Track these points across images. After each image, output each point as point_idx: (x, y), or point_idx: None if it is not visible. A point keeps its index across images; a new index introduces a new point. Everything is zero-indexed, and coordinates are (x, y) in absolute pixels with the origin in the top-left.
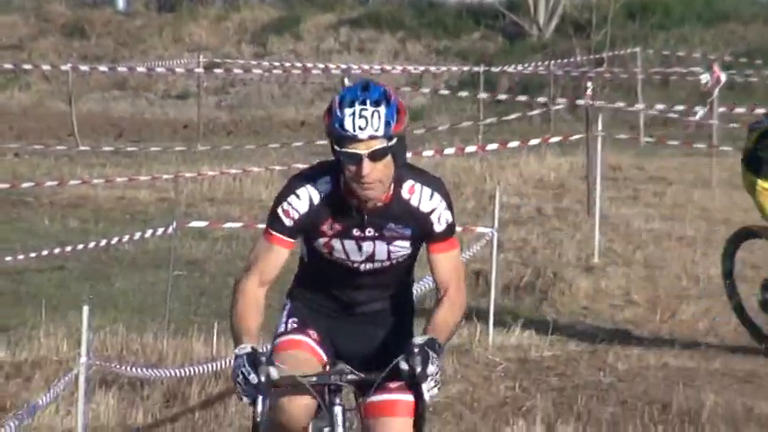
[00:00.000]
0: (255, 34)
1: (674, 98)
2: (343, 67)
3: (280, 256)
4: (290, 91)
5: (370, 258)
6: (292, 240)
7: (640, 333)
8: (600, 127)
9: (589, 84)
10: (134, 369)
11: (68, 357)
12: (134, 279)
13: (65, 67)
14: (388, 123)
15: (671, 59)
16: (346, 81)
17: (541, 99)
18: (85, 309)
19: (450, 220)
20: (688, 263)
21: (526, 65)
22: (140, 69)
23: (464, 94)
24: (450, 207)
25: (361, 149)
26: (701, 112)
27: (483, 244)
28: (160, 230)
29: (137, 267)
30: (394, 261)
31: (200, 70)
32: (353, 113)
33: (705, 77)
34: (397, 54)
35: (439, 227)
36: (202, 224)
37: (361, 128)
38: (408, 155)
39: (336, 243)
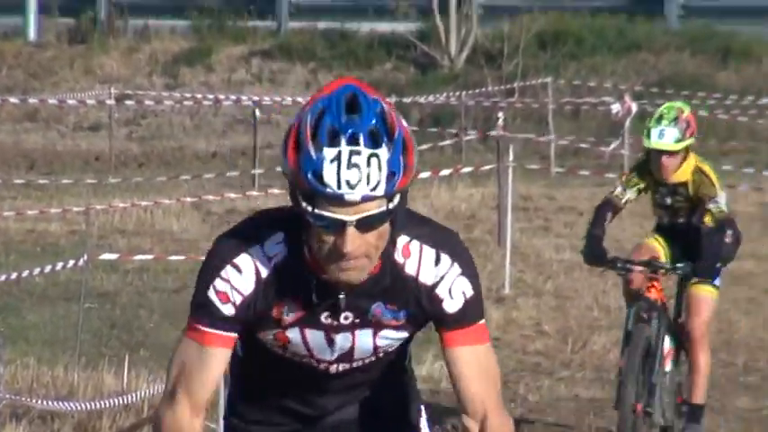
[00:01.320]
0: (167, 66)
1: (586, 128)
2: (255, 98)
3: (219, 362)
4: (201, 122)
5: (347, 357)
6: (234, 335)
7: (551, 364)
8: (511, 157)
9: (500, 114)
10: (45, 402)
11: None
12: (45, 312)
13: None
14: (392, 175)
15: (582, 89)
16: (257, 113)
17: (453, 130)
18: None
19: (472, 293)
20: (599, 293)
21: (438, 95)
22: (52, 101)
23: None
24: (468, 274)
25: (348, 215)
26: (613, 144)
27: None
28: (71, 263)
29: (48, 300)
30: (381, 355)
31: (112, 102)
32: (338, 158)
33: (616, 107)
34: (308, 85)
35: (452, 305)
36: (113, 256)
37: (350, 185)
38: None
39: (294, 334)
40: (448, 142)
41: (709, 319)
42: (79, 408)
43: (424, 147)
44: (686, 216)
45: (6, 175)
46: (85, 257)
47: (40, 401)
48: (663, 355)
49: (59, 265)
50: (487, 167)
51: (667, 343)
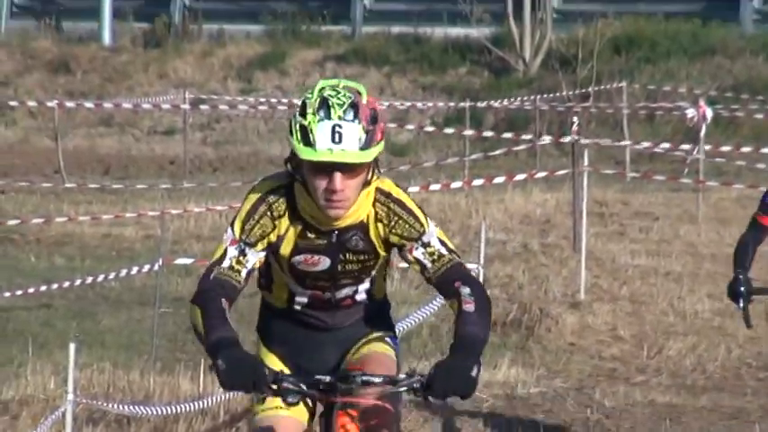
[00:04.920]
0: (241, 70)
1: (660, 133)
2: None
3: None
4: (275, 127)
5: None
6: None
7: (627, 369)
8: (586, 162)
9: (575, 119)
10: (121, 406)
11: (55, 395)
12: (120, 316)
13: (51, 103)
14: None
15: (657, 94)
16: None
17: (527, 135)
18: (72, 346)
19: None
20: (674, 299)
21: (512, 100)
22: (126, 105)
23: (450, 130)
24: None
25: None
26: (694, 152)
27: None
28: (146, 267)
29: (123, 304)
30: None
31: (186, 106)
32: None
33: (691, 112)
34: (382, 89)
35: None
36: (188, 261)
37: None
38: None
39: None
40: (522, 147)
41: None
42: (155, 412)
43: (499, 152)
44: (353, 285)
45: (81, 180)
46: (160, 262)
47: (115, 406)
48: None
49: (134, 270)
50: (562, 172)
51: None
